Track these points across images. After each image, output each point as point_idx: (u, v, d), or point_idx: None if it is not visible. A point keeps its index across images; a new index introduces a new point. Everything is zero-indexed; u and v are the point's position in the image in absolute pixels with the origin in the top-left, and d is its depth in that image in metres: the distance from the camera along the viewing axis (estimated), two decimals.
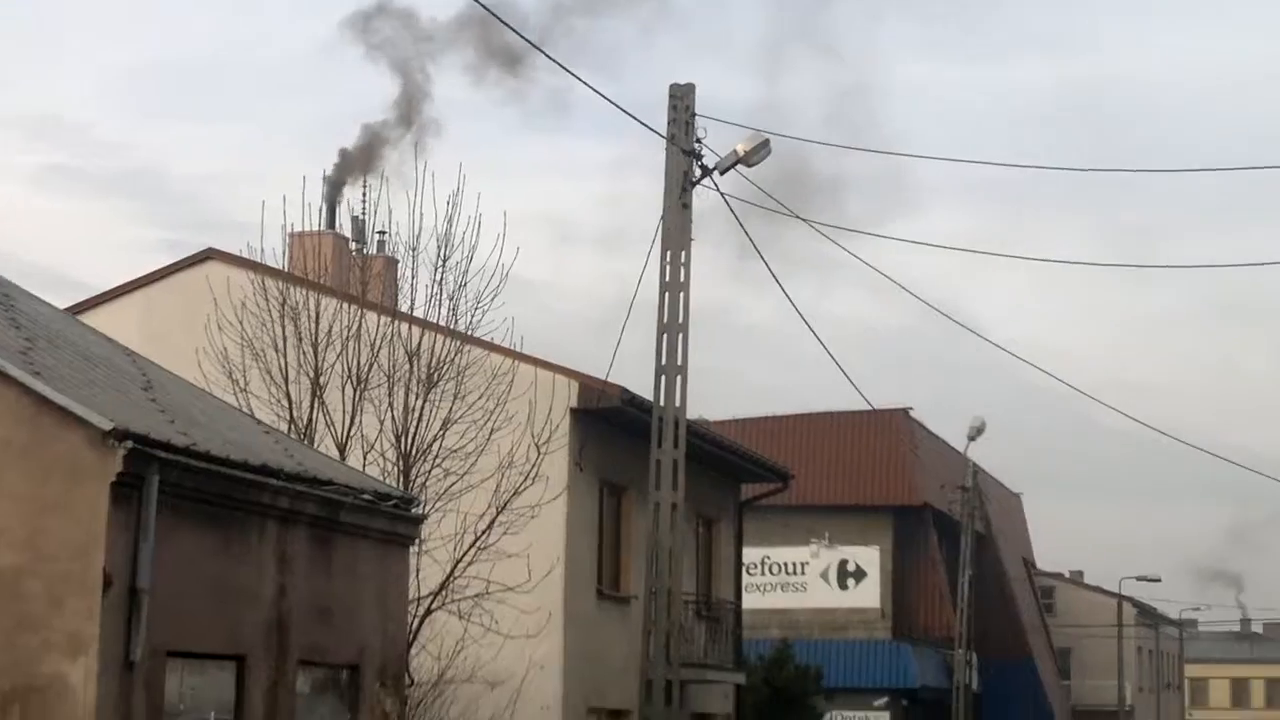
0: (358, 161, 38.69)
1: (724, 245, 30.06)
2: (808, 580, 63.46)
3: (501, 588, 29.10)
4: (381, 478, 26.56)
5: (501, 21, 23.52)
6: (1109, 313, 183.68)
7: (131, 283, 34.54)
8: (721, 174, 27.25)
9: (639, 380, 29.38)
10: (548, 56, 28.40)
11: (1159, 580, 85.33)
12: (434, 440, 28.69)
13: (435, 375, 29.03)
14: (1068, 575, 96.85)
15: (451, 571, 28.57)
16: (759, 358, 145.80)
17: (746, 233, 28.20)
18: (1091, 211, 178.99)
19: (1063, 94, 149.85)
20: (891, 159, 52.64)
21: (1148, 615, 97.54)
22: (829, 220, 30.21)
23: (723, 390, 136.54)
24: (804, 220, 29.54)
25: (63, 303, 28.49)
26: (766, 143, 27.11)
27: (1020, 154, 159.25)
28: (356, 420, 28.47)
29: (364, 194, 36.21)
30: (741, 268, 30.83)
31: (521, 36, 26.79)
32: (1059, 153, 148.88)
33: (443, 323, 29.60)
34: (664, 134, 27.10)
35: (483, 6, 20.67)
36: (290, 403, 28.37)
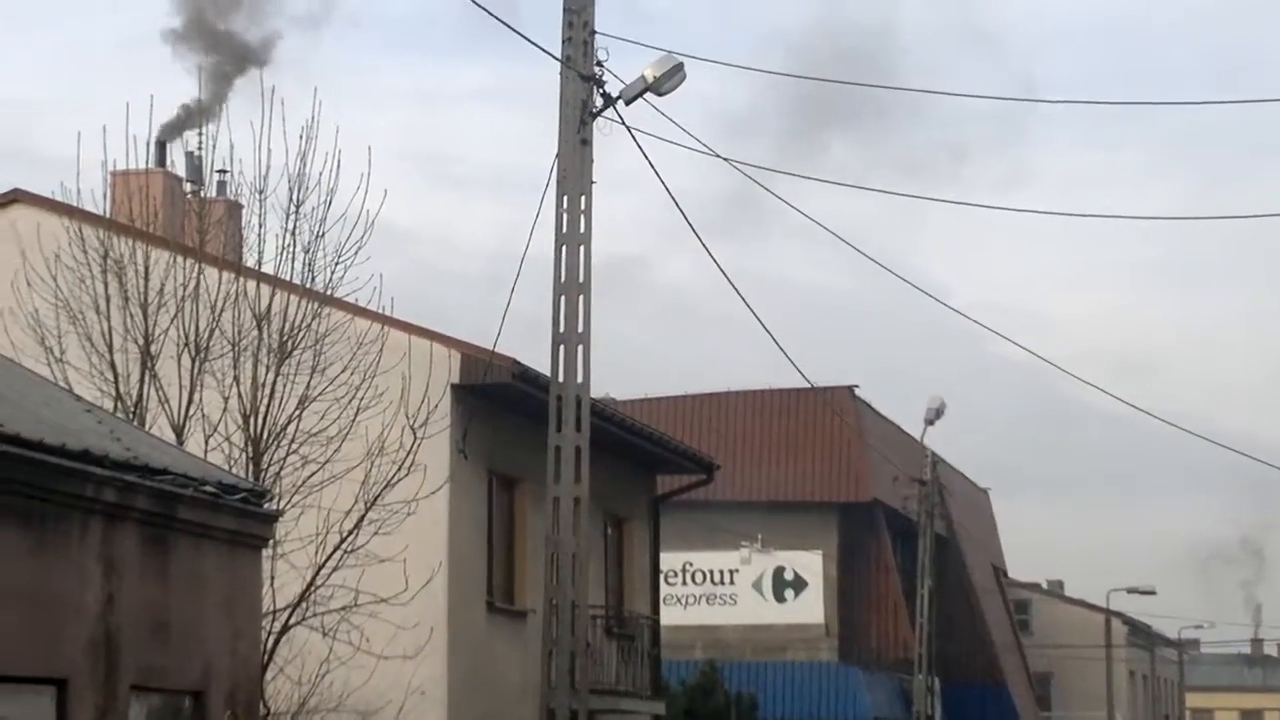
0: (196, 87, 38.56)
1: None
2: (738, 591, 63.85)
3: (373, 598, 29.16)
4: (227, 466, 26.55)
5: None
6: (1094, 272, 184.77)
7: None
8: (628, 104, 27.30)
9: (533, 351, 29.53)
10: None
11: (1154, 593, 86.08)
12: (289, 422, 28.70)
13: (289, 343, 29.00)
14: (1046, 586, 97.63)
15: (313, 579, 28.61)
16: (678, 325, 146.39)
17: (659, 176, 28.32)
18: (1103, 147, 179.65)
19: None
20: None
21: (1141, 634, 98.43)
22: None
23: (635, 364, 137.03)
24: (725, 160, 29.70)
25: None
26: (680, 66, 27.17)
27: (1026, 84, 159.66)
28: (196, 397, 28.41)
29: (200, 127, 36.07)
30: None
31: None
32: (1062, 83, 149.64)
33: (297, 280, 29.62)
34: (558, 56, 27.14)
35: None
36: (116, 375, 28.31)
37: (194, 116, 36.81)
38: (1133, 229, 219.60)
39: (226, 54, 39.42)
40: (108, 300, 28.69)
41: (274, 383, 28.82)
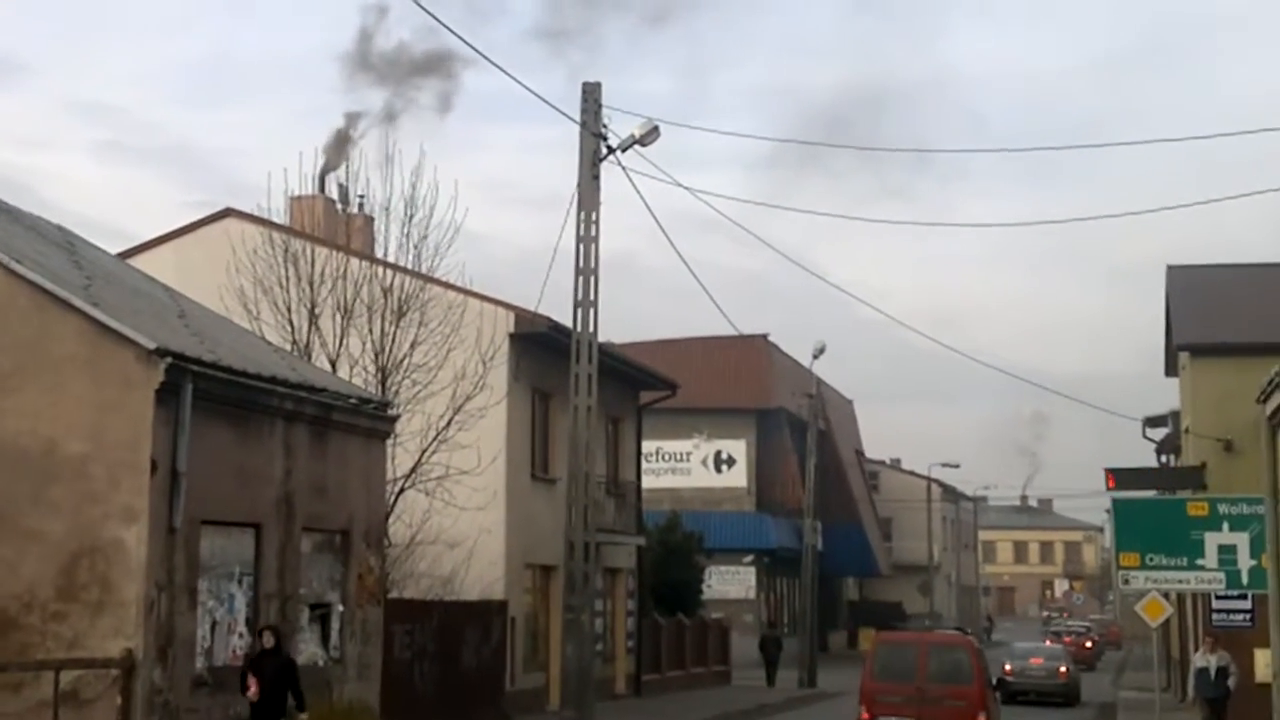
0: (342, 141, 38.40)
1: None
2: (691, 466, 63.76)
3: (458, 471, 29.16)
4: (364, 386, 26.53)
5: (470, 45, 23.37)
6: (923, 259, 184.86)
7: (167, 234, 34.20)
8: (623, 152, 27.22)
9: (561, 311, 29.50)
10: (493, 63, 28.33)
11: (958, 466, 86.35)
12: (404, 358, 28.65)
13: (404, 307, 28.94)
14: (889, 462, 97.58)
15: (419, 459, 28.61)
16: (654, 295, 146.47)
17: (643, 199, 28.33)
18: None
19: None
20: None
21: (949, 492, 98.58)
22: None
23: (627, 319, 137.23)
24: (687, 189, 29.72)
25: (114, 249, 28.25)
26: (656, 128, 27.16)
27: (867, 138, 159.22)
28: (344, 342, 28.34)
29: (347, 166, 36.13)
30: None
31: (473, 48, 26.74)
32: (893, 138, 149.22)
33: (409, 266, 29.53)
34: (578, 120, 27.08)
35: (474, 48, 20.56)
36: (292, 328, 28.23)
37: (341, 157, 36.77)
38: (967, 234, 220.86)
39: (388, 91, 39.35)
40: (287, 279, 28.62)
41: (394, 333, 28.78)
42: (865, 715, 25.72)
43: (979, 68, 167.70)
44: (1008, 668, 44.97)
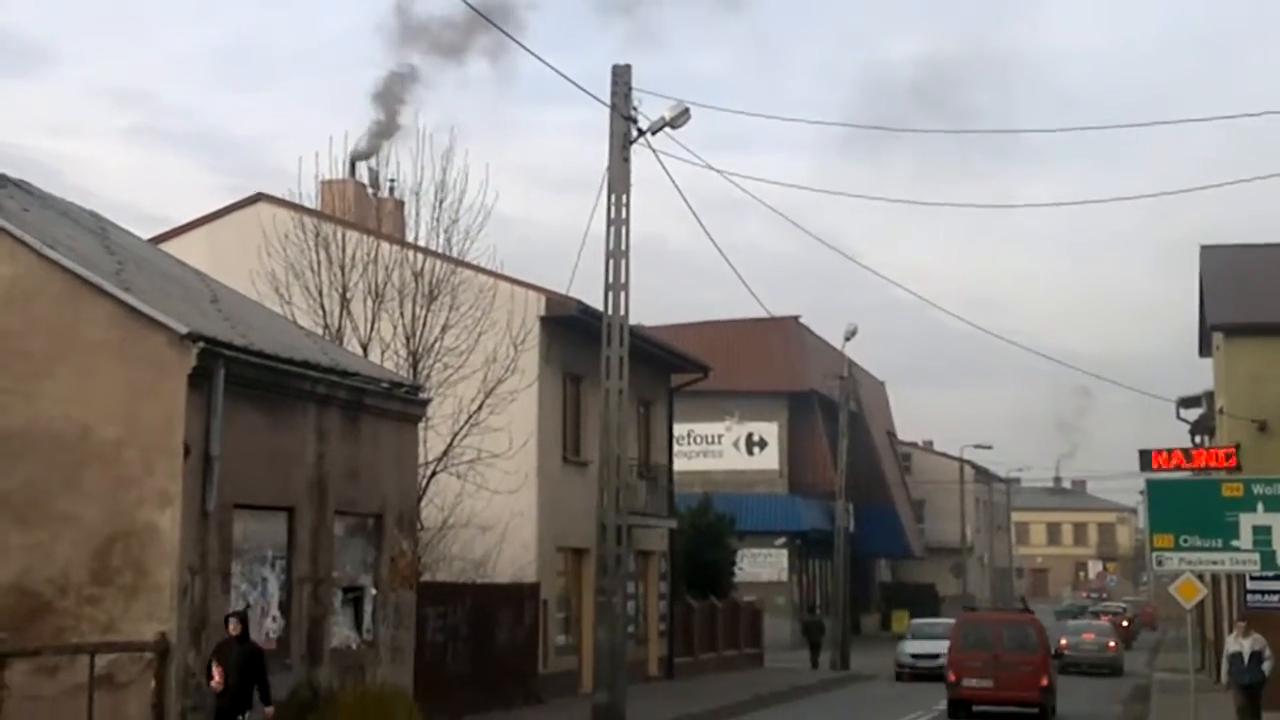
0: (393, 94, 38.42)
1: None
2: (723, 449, 63.71)
3: (489, 455, 29.23)
4: (395, 370, 26.58)
5: (496, 26, 23.36)
6: (960, 241, 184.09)
7: (199, 219, 34.33)
8: (653, 134, 27.09)
9: (592, 294, 29.49)
10: (524, 47, 28.24)
11: (991, 447, 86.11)
12: (435, 341, 28.71)
13: (435, 291, 29.01)
14: (921, 444, 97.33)
15: (451, 442, 28.69)
16: (685, 277, 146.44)
17: (673, 180, 28.27)
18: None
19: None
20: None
21: (982, 474, 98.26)
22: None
23: (658, 301, 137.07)
24: (717, 170, 29.58)
25: (145, 234, 28.34)
26: (687, 110, 26.94)
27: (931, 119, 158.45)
28: (375, 326, 28.44)
29: (377, 150, 36.19)
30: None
31: (500, 29, 26.71)
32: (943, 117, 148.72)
33: (440, 250, 29.56)
34: (608, 103, 26.99)
35: (493, 25, 20.56)
36: (324, 312, 28.32)
37: (374, 142, 36.78)
38: (1017, 214, 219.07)
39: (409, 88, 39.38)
40: (318, 264, 28.69)
41: (425, 316, 28.84)
42: (953, 677, 32.02)
43: (1065, 40, 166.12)
44: (1064, 642, 49.37)
